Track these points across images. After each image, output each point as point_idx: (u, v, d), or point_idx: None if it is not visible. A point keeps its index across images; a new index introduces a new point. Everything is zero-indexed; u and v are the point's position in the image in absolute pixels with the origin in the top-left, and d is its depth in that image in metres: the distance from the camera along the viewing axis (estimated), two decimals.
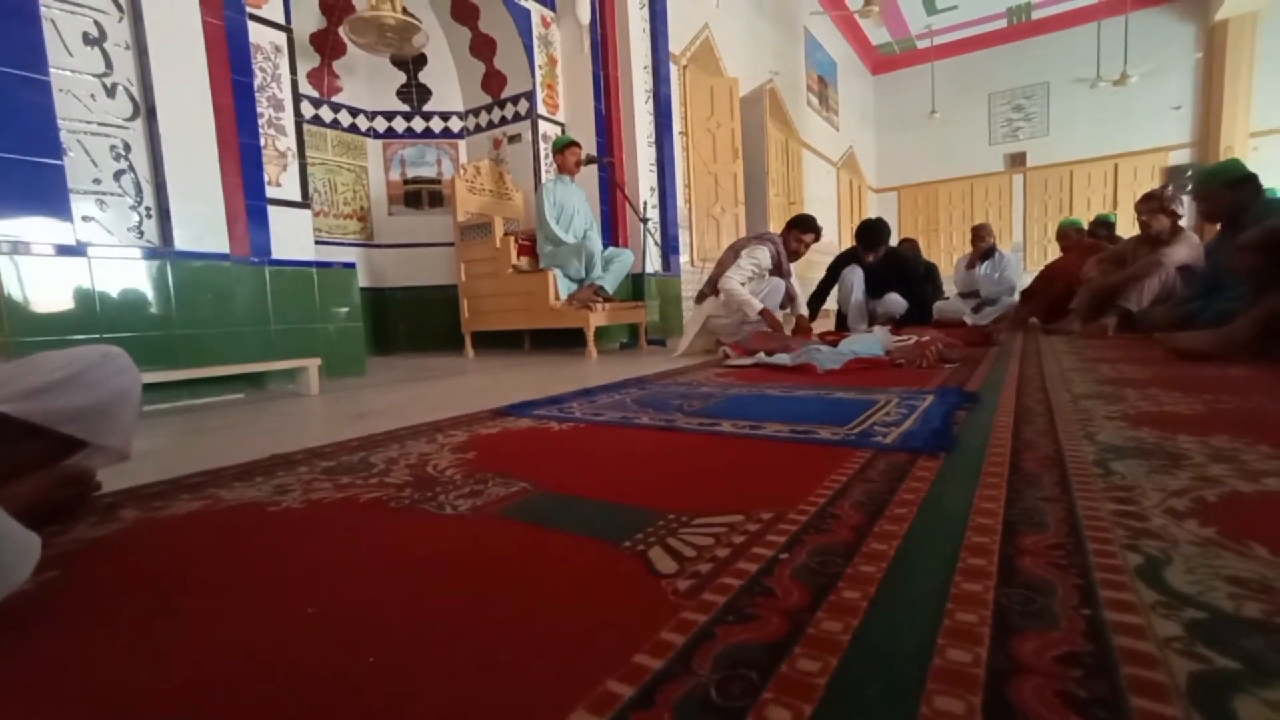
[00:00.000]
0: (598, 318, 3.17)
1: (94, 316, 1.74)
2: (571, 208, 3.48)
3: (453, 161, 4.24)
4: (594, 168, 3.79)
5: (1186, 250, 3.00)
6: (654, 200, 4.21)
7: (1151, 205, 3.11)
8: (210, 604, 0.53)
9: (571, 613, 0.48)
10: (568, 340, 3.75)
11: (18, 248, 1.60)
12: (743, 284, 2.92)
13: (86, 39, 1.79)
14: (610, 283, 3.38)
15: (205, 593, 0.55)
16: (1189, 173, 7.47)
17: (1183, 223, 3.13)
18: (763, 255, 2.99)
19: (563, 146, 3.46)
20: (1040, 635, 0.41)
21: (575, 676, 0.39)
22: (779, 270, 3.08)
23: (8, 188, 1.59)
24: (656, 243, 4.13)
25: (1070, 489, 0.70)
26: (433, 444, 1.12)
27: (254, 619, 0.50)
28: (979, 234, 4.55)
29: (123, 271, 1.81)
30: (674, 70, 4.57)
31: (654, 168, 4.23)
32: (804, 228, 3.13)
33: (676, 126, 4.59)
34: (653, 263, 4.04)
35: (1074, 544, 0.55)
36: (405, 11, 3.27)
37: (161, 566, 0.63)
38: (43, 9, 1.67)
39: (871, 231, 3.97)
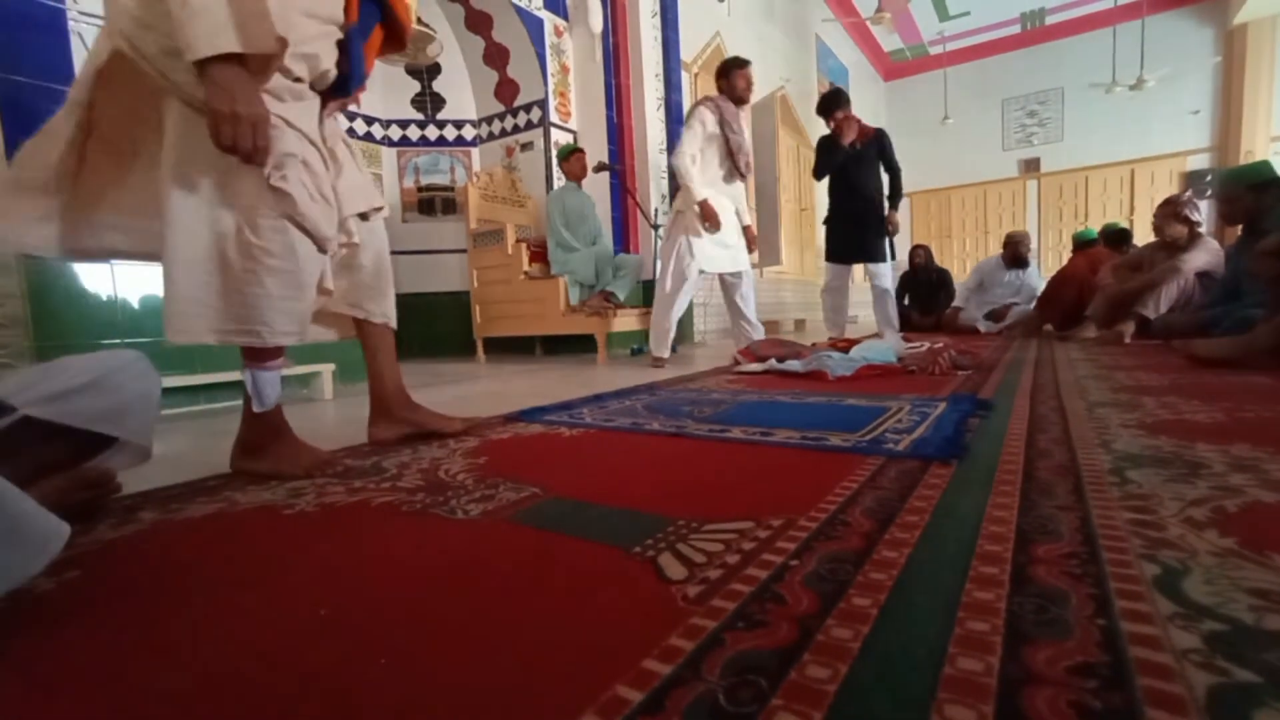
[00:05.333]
0: (609, 324, 3.18)
1: (116, 322, 1.77)
2: (581, 214, 3.50)
3: (466, 169, 4.29)
4: (605, 175, 3.81)
5: (1205, 256, 2.96)
6: (665, 207, 4.22)
7: (1166, 211, 3.07)
8: (225, 604, 0.54)
9: (581, 617, 0.48)
10: (579, 346, 3.76)
11: (42, 255, 1.63)
12: (693, 158, 2.63)
13: None
14: (621, 289, 3.39)
15: (221, 593, 0.56)
16: (1208, 178, 7.36)
17: (1201, 229, 3.09)
18: (705, 115, 2.67)
19: (568, 154, 3.49)
20: (1053, 645, 0.40)
21: (584, 681, 0.39)
22: (726, 128, 2.70)
23: None
24: None
25: (1085, 498, 0.69)
26: (444, 449, 1.13)
27: (268, 620, 0.50)
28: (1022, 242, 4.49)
29: (144, 277, 1.84)
30: (685, 78, 4.59)
31: (665, 174, 4.24)
32: (732, 66, 2.74)
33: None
34: None
35: (1089, 553, 0.54)
36: (420, 21, 3.31)
37: (178, 567, 0.64)
38: (70, 23, 1.72)
39: (822, 99, 3.51)
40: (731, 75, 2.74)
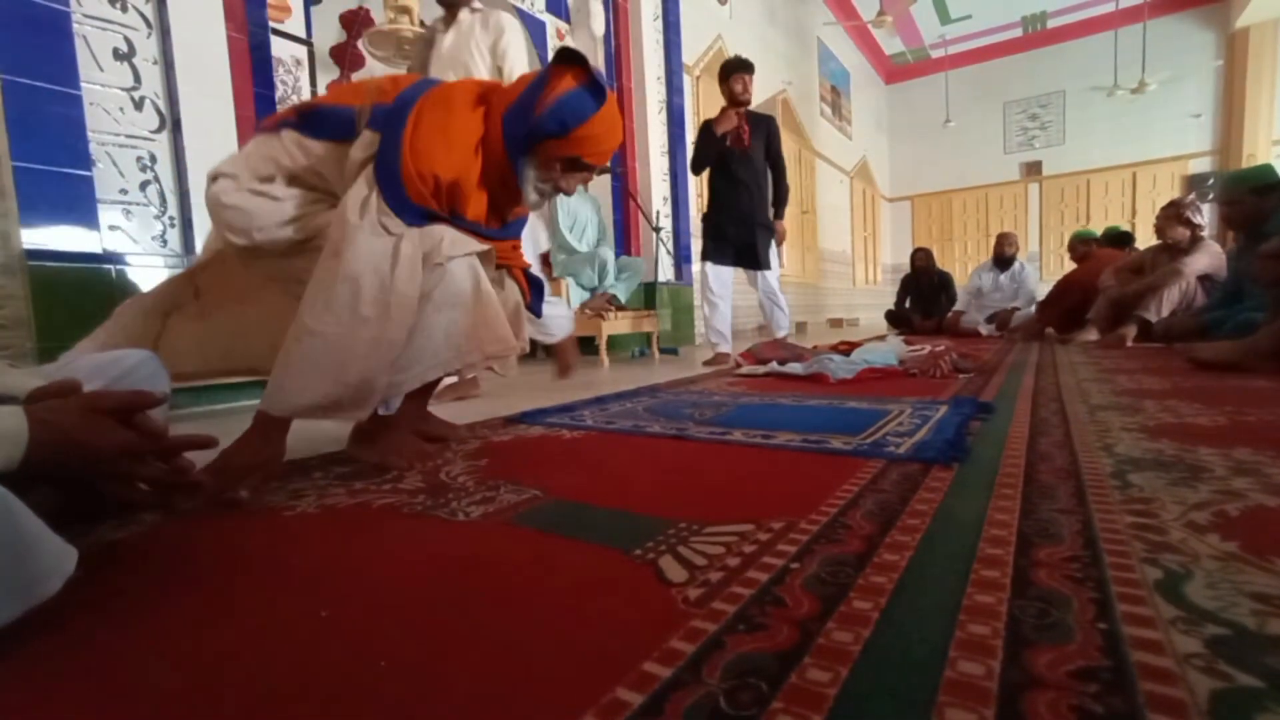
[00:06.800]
0: (610, 326, 3.18)
1: None
2: (584, 218, 3.50)
3: None
4: (607, 177, 3.82)
5: (1207, 260, 2.96)
6: (667, 209, 4.23)
7: (1168, 213, 3.08)
8: (226, 605, 0.54)
9: (581, 620, 0.48)
10: (581, 348, 3.76)
11: (47, 256, 1.64)
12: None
13: (116, 54, 1.85)
14: (623, 292, 3.39)
15: (221, 594, 0.56)
16: (1210, 181, 7.36)
17: (1204, 232, 3.09)
18: None
19: None
20: (1055, 649, 0.40)
21: (584, 683, 0.39)
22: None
23: (39, 198, 1.63)
24: (669, 252, 4.14)
25: (1086, 501, 0.69)
26: (445, 450, 1.13)
27: (268, 621, 0.50)
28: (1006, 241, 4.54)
29: (147, 279, 1.84)
30: (687, 80, 4.60)
31: (667, 177, 4.24)
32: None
33: (689, 136, 4.61)
34: (665, 272, 4.05)
35: (1090, 557, 0.54)
36: (423, 25, 3.33)
37: (179, 568, 0.64)
38: (75, 26, 1.73)
39: (724, 63, 2.94)
40: None
